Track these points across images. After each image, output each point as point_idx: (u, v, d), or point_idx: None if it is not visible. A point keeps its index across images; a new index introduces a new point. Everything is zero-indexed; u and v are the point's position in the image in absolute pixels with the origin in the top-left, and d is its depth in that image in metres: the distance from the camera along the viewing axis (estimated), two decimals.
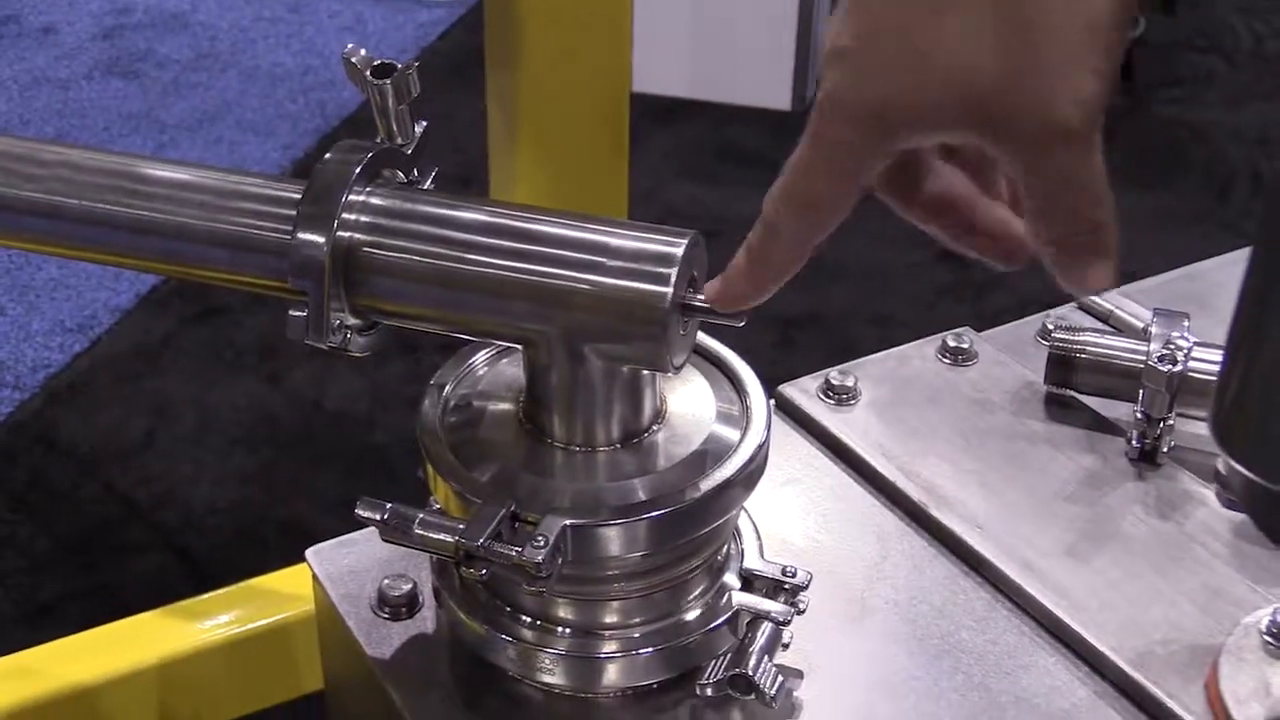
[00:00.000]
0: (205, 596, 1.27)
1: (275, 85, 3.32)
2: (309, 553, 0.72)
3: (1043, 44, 0.51)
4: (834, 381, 0.81)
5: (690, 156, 3.00)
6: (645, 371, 0.60)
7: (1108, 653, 0.65)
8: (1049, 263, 0.56)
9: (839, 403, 0.80)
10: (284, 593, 1.26)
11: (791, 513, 0.74)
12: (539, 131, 1.20)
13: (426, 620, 0.68)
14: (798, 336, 2.37)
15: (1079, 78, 0.52)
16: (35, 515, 2.01)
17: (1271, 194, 0.46)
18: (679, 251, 0.57)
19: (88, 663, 1.19)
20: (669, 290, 0.56)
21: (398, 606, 0.68)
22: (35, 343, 2.39)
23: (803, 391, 0.81)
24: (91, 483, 2.07)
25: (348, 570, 0.71)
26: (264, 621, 1.23)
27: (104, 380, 2.30)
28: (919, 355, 0.85)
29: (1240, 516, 0.72)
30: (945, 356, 0.84)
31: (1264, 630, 0.64)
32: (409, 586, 0.68)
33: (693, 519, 0.59)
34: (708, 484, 0.59)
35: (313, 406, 2.22)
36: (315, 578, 0.71)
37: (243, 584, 1.29)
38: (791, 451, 0.78)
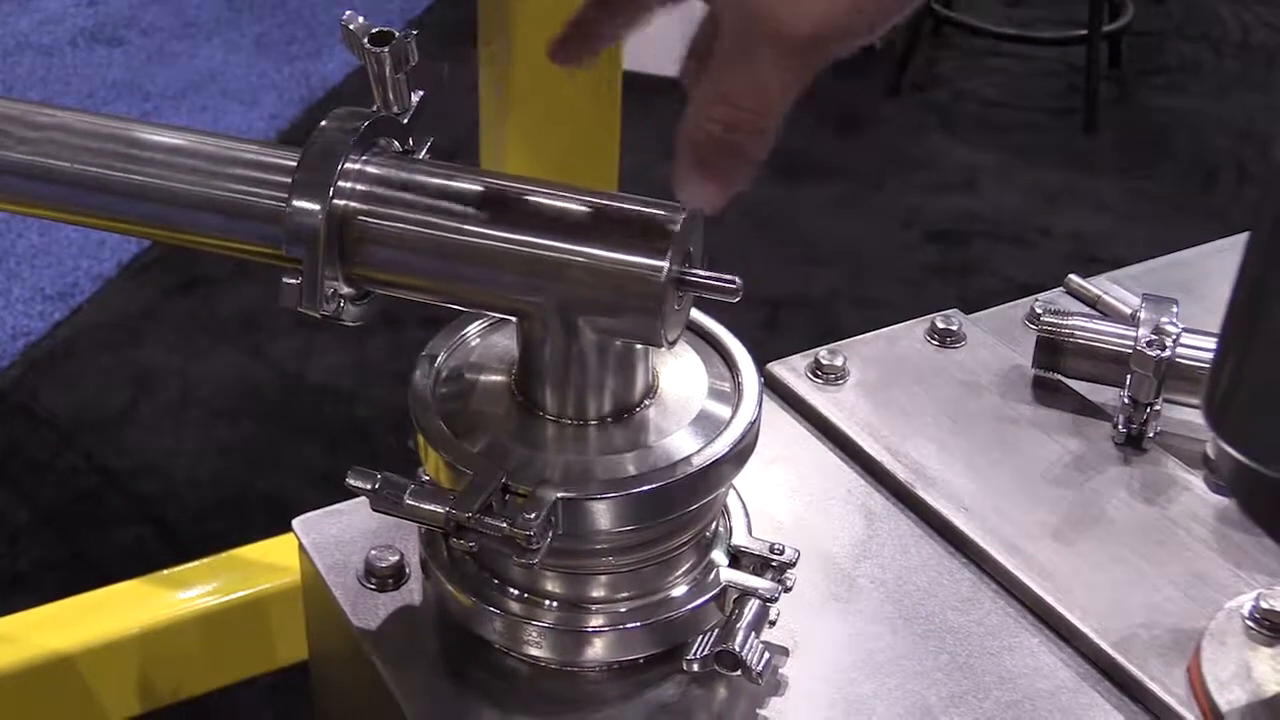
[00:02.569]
0: (187, 566, 1.27)
1: (260, 55, 3.31)
2: (296, 522, 0.71)
3: None
4: (823, 361, 0.81)
5: None
6: (639, 346, 0.60)
7: (1091, 635, 0.65)
8: (678, 153, 0.56)
9: (827, 382, 0.80)
10: (266, 563, 1.26)
11: (779, 491, 0.74)
12: (530, 106, 1.20)
13: (413, 592, 0.68)
14: (783, 317, 2.37)
15: None
16: (13, 484, 2.00)
17: (1270, 179, 0.47)
18: (676, 225, 0.57)
19: (68, 630, 1.18)
20: (665, 264, 0.56)
21: (384, 577, 0.68)
22: (15, 310, 2.38)
23: (791, 370, 0.82)
24: (71, 452, 2.07)
25: (334, 540, 0.70)
26: (246, 592, 1.23)
27: (84, 349, 2.29)
28: (908, 336, 0.85)
29: (1225, 502, 0.72)
30: (934, 338, 0.84)
31: (1246, 615, 0.64)
32: (396, 557, 0.68)
33: (684, 494, 0.59)
34: (699, 459, 0.59)
35: (295, 379, 2.21)
36: (301, 547, 0.71)
37: (225, 554, 1.29)
38: (780, 430, 0.78)
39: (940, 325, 0.84)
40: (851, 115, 3.16)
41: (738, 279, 0.57)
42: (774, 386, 0.81)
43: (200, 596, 1.24)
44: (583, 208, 0.58)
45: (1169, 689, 0.62)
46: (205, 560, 1.29)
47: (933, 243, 2.69)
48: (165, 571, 1.27)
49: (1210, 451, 0.74)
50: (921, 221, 2.74)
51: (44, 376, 2.23)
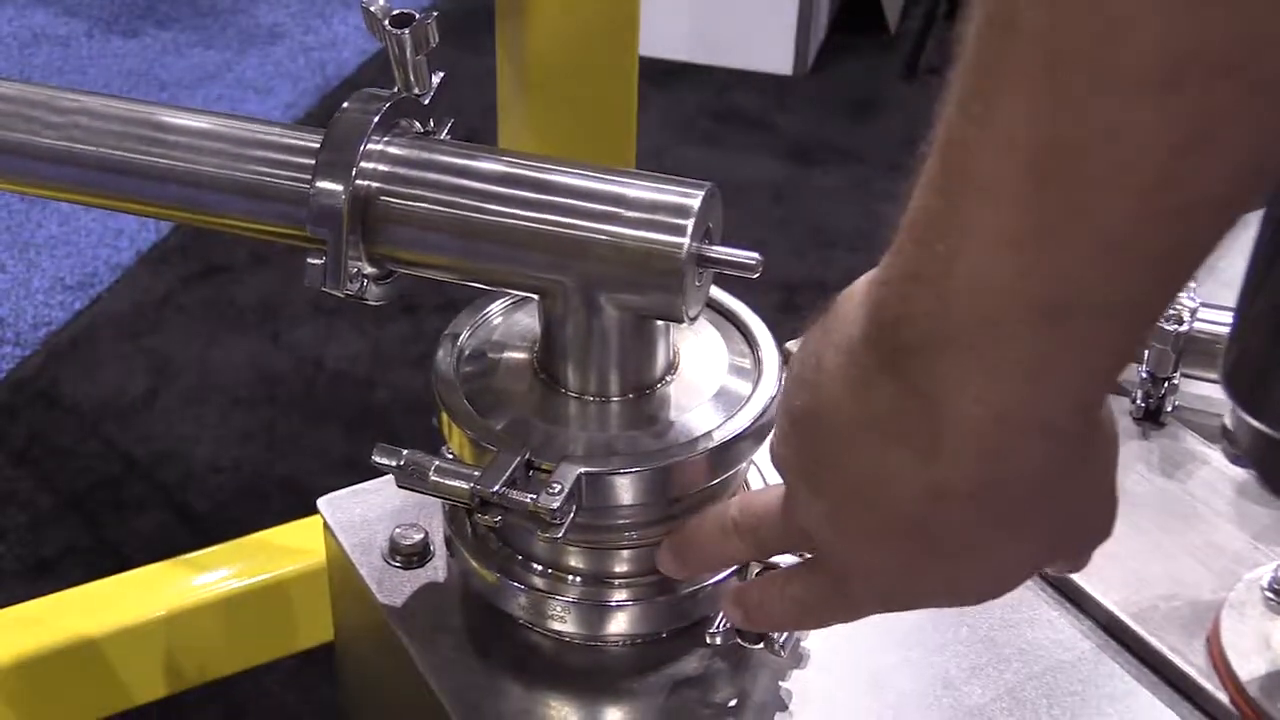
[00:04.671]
0: (211, 550, 1.28)
1: (275, 45, 3.31)
2: (321, 501, 0.72)
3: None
4: None
5: (691, 120, 3.00)
6: (659, 322, 0.61)
7: (1111, 607, 0.65)
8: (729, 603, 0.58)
9: None
10: (289, 547, 1.27)
11: None
12: (548, 90, 1.20)
13: (438, 569, 0.68)
14: (800, 301, 2.37)
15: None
16: (36, 471, 2.01)
17: None
18: (695, 202, 0.57)
19: (95, 613, 1.19)
20: (685, 241, 0.56)
21: (410, 555, 0.68)
22: (36, 300, 2.39)
23: None
24: (93, 440, 2.08)
25: (359, 519, 0.71)
26: (269, 575, 1.24)
27: (105, 337, 2.30)
28: None
29: (1243, 474, 0.73)
30: None
31: (1265, 586, 0.64)
32: (421, 535, 0.69)
33: (705, 469, 0.60)
34: (721, 434, 0.60)
35: (314, 365, 2.22)
36: (327, 526, 0.71)
37: (248, 538, 1.30)
38: None
39: None
40: (867, 99, 3.15)
41: (757, 255, 0.58)
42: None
43: (224, 580, 1.25)
44: (603, 185, 0.59)
45: (1188, 659, 0.63)
46: (228, 544, 1.30)
47: None
48: (189, 555, 1.28)
49: (1229, 423, 0.74)
50: None
51: (65, 365, 2.24)
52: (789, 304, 2.36)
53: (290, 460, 2.03)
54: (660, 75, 3.09)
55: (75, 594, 1.24)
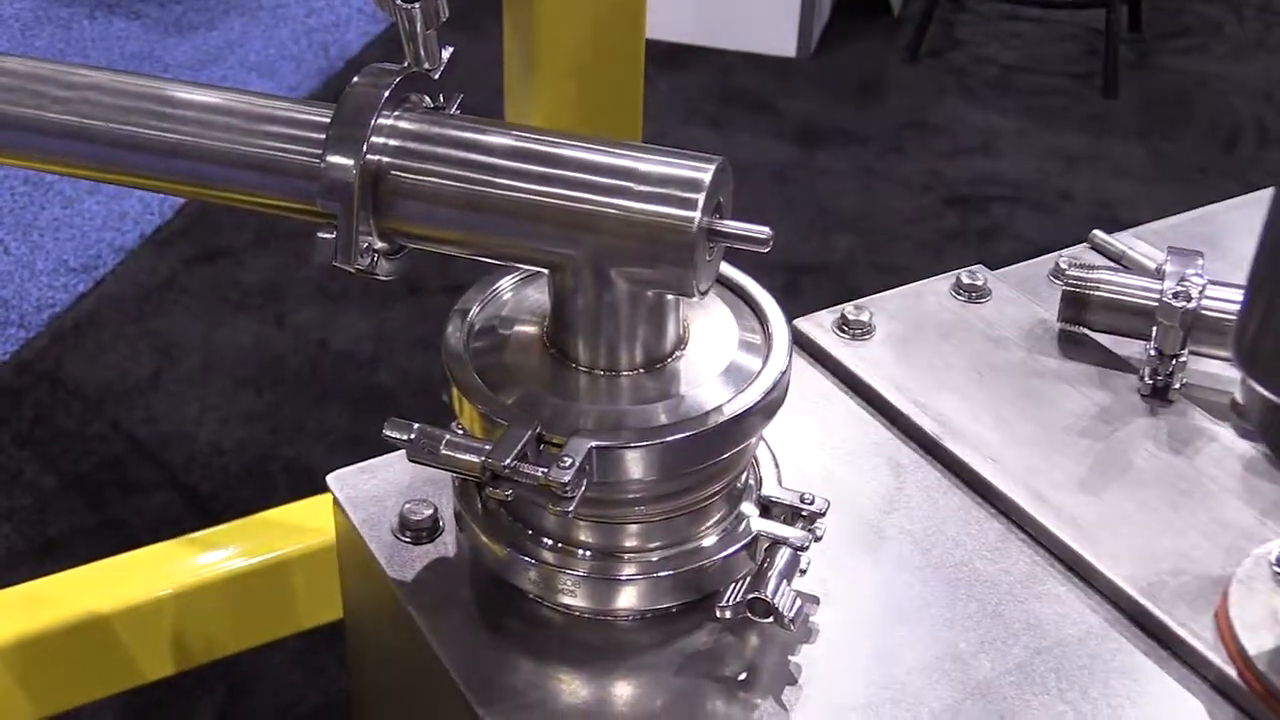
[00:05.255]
0: (217, 529, 1.28)
1: (278, 26, 3.31)
2: (330, 477, 0.72)
3: None
4: (849, 316, 0.82)
5: (696, 102, 2.99)
6: (670, 297, 0.61)
7: (1119, 582, 0.66)
8: None
9: (854, 337, 0.81)
10: (295, 526, 1.27)
11: (807, 444, 0.74)
12: (555, 73, 1.20)
13: (447, 544, 0.68)
14: (804, 282, 2.37)
15: None
16: (42, 452, 2.02)
17: None
18: (706, 177, 0.57)
19: (101, 593, 1.20)
20: (696, 214, 0.56)
21: (419, 530, 0.68)
22: (40, 282, 2.39)
23: (818, 326, 0.82)
24: (98, 421, 2.08)
25: (369, 495, 0.71)
26: (275, 554, 1.24)
27: (109, 320, 2.30)
28: (933, 292, 0.85)
29: (1251, 451, 0.73)
30: (959, 293, 0.85)
31: (1273, 561, 0.65)
32: (430, 511, 0.69)
33: (715, 443, 0.60)
34: (731, 409, 0.60)
35: (318, 346, 2.22)
36: (336, 502, 0.71)
37: (255, 516, 1.30)
38: (807, 384, 0.79)
39: (965, 280, 0.85)
40: (870, 81, 3.14)
41: (768, 229, 0.58)
42: (800, 342, 0.81)
43: (229, 559, 1.25)
44: (614, 160, 0.59)
45: (1197, 634, 0.63)
46: (234, 523, 1.31)
47: (952, 207, 2.68)
48: (195, 535, 1.29)
49: (1239, 396, 0.74)
50: (941, 186, 2.74)
51: (69, 347, 2.24)
52: (794, 285, 2.36)
53: (295, 441, 2.03)
54: (665, 58, 3.09)
55: (81, 573, 1.24)
